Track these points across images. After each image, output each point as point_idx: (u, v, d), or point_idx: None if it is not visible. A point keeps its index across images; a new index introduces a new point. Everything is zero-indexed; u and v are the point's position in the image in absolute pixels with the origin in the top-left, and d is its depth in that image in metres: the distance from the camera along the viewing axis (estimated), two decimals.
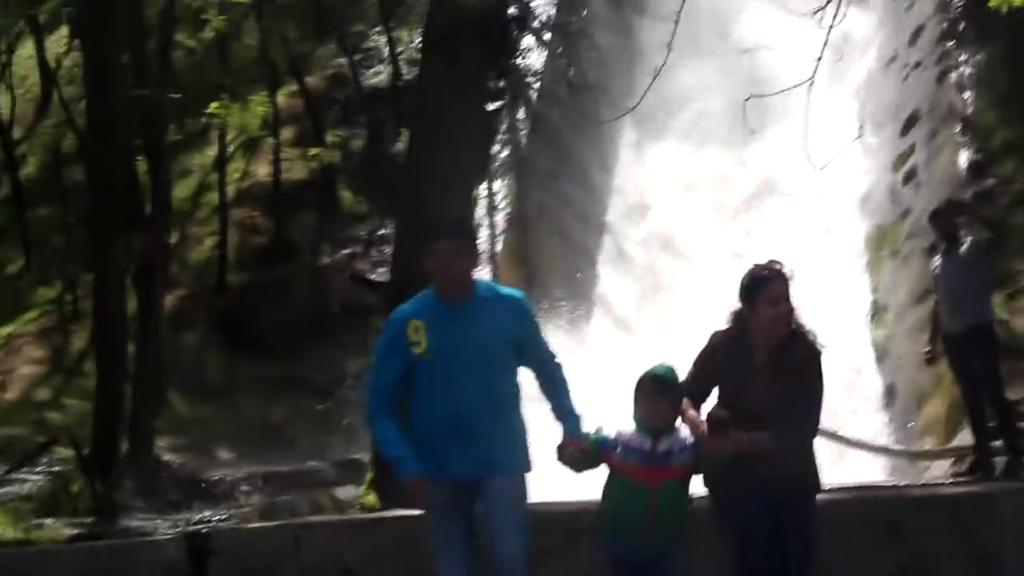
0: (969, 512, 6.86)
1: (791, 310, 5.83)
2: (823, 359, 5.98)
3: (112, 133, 15.49)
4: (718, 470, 5.71)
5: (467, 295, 5.92)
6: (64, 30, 27.31)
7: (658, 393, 5.84)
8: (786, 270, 5.90)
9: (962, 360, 10.69)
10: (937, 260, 11.03)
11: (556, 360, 6.15)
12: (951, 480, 10.81)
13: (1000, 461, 10.60)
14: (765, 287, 5.91)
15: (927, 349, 11.50)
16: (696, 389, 5.96)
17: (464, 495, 5.78)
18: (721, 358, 5.95)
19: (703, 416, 5.82)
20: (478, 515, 5.81)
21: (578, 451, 5.89)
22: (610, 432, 5.97)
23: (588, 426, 6.02)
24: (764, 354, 5.82)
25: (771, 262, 5.94)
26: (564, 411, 6.04)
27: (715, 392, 5.94)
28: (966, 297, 10.50)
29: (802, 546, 5.74)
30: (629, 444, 5.88)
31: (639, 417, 5.90)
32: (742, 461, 5.60)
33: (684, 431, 5.84)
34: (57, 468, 14.75)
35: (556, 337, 17.21)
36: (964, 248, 10.72)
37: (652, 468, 5.78)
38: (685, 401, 5.88)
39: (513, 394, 5.97)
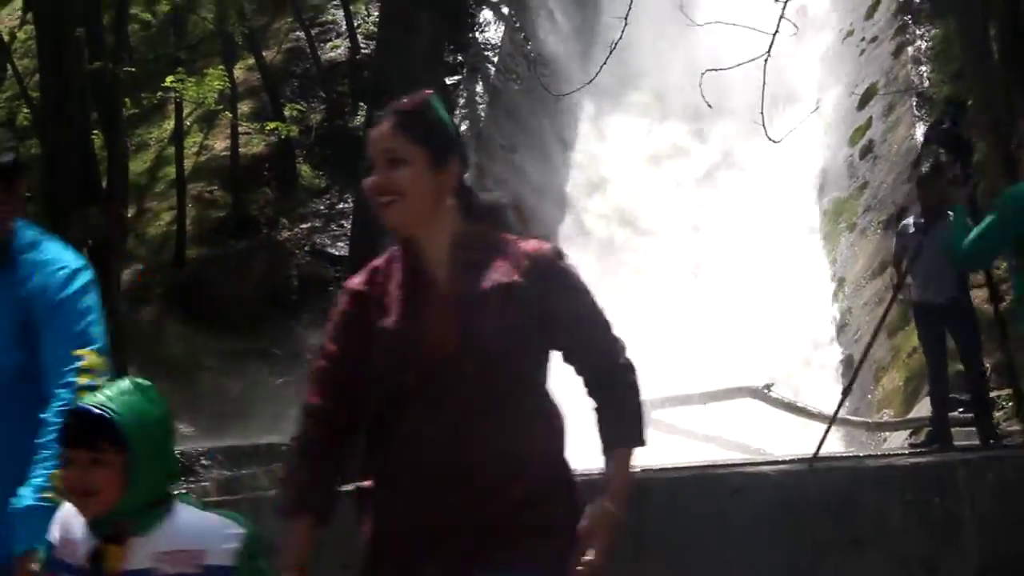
0: (927, 483, 6.92)
1: None
2: None
3: (67, 107, 15.38)
4: None
5: None
6: (18, 3, 27.04)
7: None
8: None
9: (937, 332, 10.61)
10: (910, 231, 10.79)
11: None
12: (908, 451, 10.90)
13: (961, 432, 10.65)
14: None
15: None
16: None
17: None
18: None
19: None
20: None
21: None
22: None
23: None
24: None
25: None
26: None
27: None
28: (953, 270, 10.29)
29: None
30: (62, 552, 3.27)
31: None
32: None
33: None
34: None
35: None
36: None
37: None
38: None
39: None
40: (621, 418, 3.46)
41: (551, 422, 3.47)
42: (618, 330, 3.49)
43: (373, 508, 3.46)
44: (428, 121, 3.47)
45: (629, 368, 3.50)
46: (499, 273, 3.42)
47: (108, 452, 3.13)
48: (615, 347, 3.50)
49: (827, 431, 7.39)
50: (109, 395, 3.19)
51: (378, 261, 3.58)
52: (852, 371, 15.10)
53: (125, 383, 3.26)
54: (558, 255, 3.49)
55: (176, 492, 3.31)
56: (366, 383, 3.45)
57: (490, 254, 3.46)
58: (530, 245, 3.48)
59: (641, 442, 3.47)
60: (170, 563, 3.14)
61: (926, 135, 15.79)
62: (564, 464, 3.48)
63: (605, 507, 3.36)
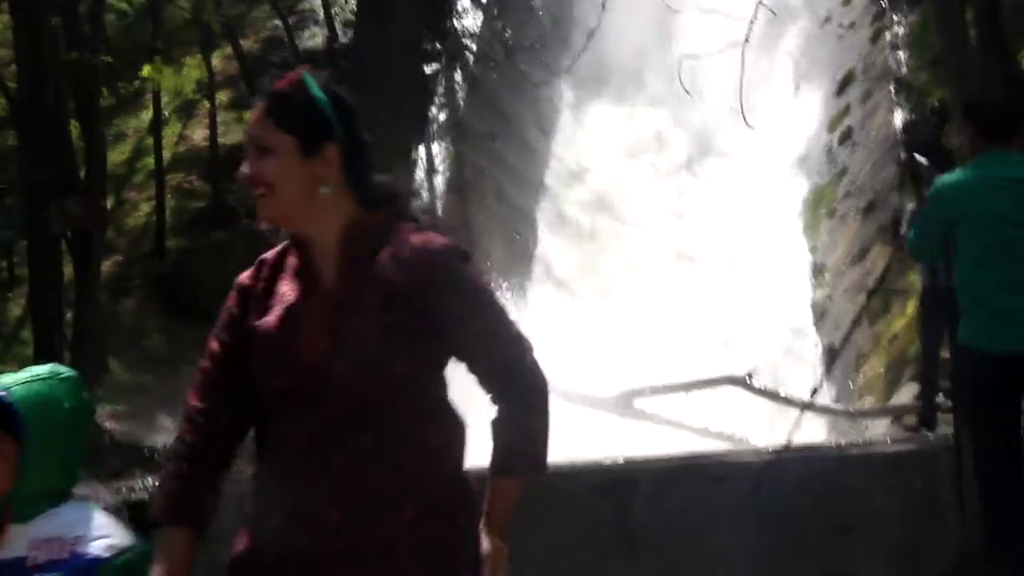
0: (909, 469, 6.95)
1: None
2: None
3: (44, 97, 15.31)
4: None
5: None
6: None
7: None
8: None
9: (943, 313, 10.61)
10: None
11: None
12: (890, 438, 10.94)
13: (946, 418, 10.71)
14: None
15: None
16: None
17: None
18: None
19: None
20: None
21: None
22: None
23: None
24: None
25: None
26: None
27: None
28: None
29: None
30: None
31: None
32: None
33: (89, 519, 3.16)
34: None
35: None
36: None
37: None
38: None
39: None
40: (513, 442, 3.09)
41: (445, 434, 3.12)
42: (522, 332, 3.14)
43: (249, 523, 3.17)
44: (298, 105, 3.14)
45: (532, 380, 3.12)
46: (384, 269, 3.10)
47: (2, 438, 3.04)
48: (517, 355, 3.13)
49: (798, 419, 7.42)
50: (13, 380, 3.11)
51: (269, 253, 3.33)
52: (833, 359, 15.19)
53: (40, 369, 3.16)
54: (452, 250, 3.15)
55: (77, 486, 3.19)
56: (250, 385, 3.17)
57: (379, 248, 3.14)
58: (422, 239, 3.14)
59: (532, 472, 3.13)
60: (43, 551, 3.03)
61: (905, 141, 15.76)
62: (460, 480, 3.14)
63: (496, 544, 3.11)
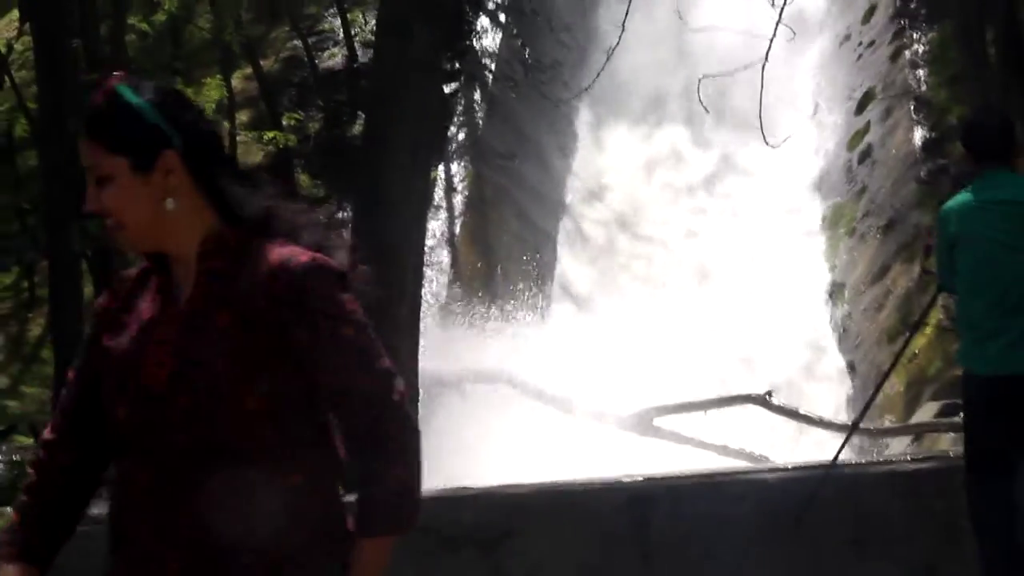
0: (929, 488, 6.92)
1: None
2: None
3: (65, 118, 15.38)
4: None
5: None
6: (15, 14, 27.04)
7: None
8: None
9: None
10: None
11: None
12: (911, 456, 10.90)
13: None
14: None
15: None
16: None
17: None
18: None
19: None
20: None
21: None
22: None
23: None
24: None
25: None
26: None
27: None
28: None
29: None
30: None
31: None
32: None
33: None
34: (16, 456, 14.68)
35: (515, 319, 17.31)
36: None
37: None
38: None
39: None
40: (373, 498, 2.66)
41: (308, 475, 2.72)
42: (391, 369, 2.71)
43: (106, 567, 2.83)
44: (119, 120, 2.79)
45: (393, 426, 2.67)
46: (238, 288, 2.72)
47: None
48: (379, 394, 2.68)
49: (847, 439, 7.40)
50: None
51: (132, 271, 2.96)
52: (852, 377, 15.14)
53: None
54: (317, 268, 2.74)
55: None
56: (102, 415, 2.82)
57: (236, 265, 2.76)
58: (283, 253, 2.74)
59: (397, 531, 2.69)
60: None
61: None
62: (327, 526, 2.75)
63: None
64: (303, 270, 2.71)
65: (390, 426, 2.67)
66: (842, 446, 7.07)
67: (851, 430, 7.59)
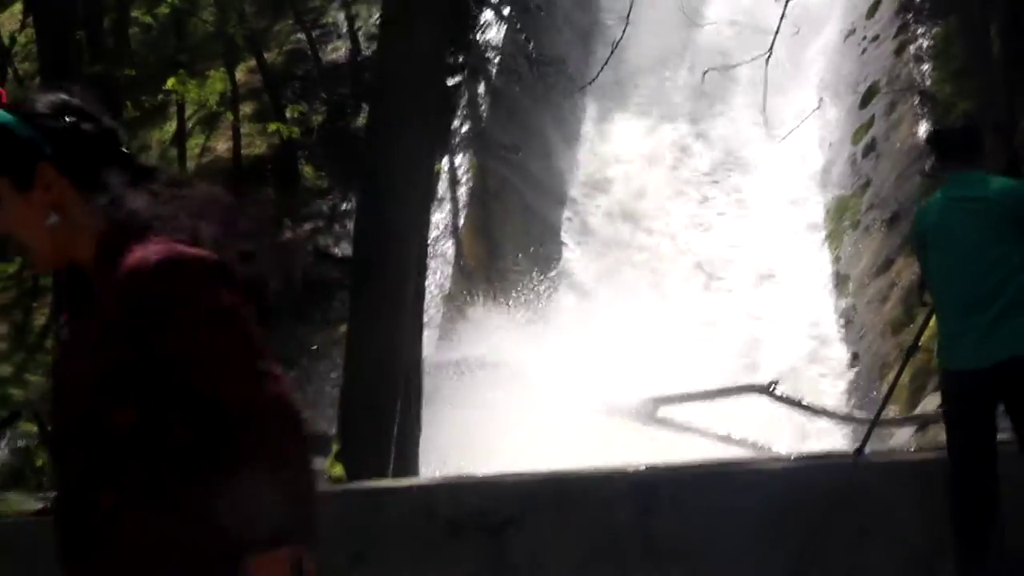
0: (932, 476, 6.93)
1: None
2: None
3: None
4: None
5: None
6: (18, 6, 27.05)
7: None
8: None
9: None
10: None
11: None
12: (915, 446, 10.91)
13: None
14: None
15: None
16: None
17: None
18: None
19: None
20: None
21: None
22: None
23: None
24: None
25: None
26: None
27: None
28: None
29: None
30: None
31: None
32: None
33: None
34: (21, 443, 14.73)
35: (520, 311, 17.32)
36: None
37: None
38: None
39: None
40: (257, 510, 2.45)
41: (200, 490, 2.54)
42: (262, 367, 2.51)
43: None
44: None
45: (263, 430, 2.48)
46: (101, 296, 2.56)
47: None
48: (247, 396, 2.49)
49: (870, 430, 7.43)
50: None
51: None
52: (857, 368, 15.14)
53: None
54: (171, 265, 2.51)
55: None
56: None
57: (107, 272, 2.56)
58: (140, 254, 2.52)
59: (287, 540, 2.47)
60: None
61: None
62: (228, 540, 2.51)
63: None
64: (155, 272, 2.50)
65: (266, 432, 2.48)
66: (866, 438, 7.11)
67: (872, 423, 7.63)
